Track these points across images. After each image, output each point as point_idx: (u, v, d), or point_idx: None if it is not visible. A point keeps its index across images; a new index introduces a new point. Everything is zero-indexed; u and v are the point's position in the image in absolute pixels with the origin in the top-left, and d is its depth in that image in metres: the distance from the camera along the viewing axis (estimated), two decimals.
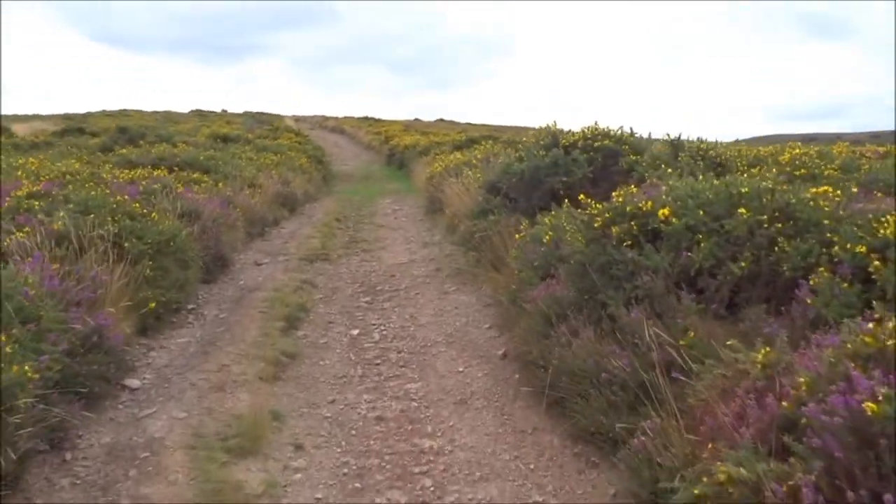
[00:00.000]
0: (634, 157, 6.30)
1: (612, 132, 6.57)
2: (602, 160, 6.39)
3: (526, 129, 39.83)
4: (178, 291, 6.09)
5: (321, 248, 9.22)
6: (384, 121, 42.70)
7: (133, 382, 4.50)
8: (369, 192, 17.15)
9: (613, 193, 4.46)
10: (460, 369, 5.05)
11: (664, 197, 4.19)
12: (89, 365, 4.08)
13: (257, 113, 42.76)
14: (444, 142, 20.60)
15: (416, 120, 45.20)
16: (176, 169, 10.31)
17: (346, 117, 46.24)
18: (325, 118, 46.39)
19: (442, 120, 47.72)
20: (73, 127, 24.26)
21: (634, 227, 4.16)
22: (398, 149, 23.45)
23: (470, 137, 18.30)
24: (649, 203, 4.18)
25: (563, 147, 6.49)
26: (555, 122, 6.73)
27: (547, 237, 4.93)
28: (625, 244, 4.16)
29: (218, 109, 50.89)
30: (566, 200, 5.64)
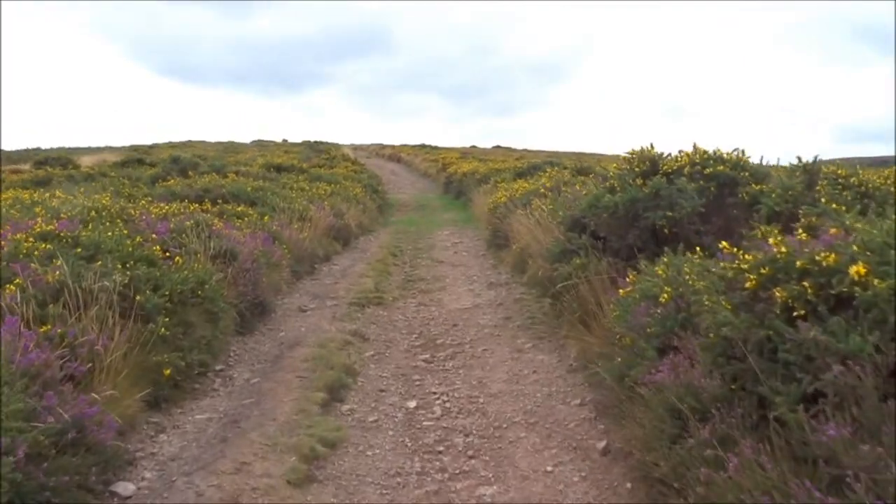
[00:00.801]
0: (758, 187, 4.98)
1: (726, 156, 5.26)
2: (715, 190, 5.09)
3: (586, 155, 38.40)
4: (204, 351, 5.05)
5: (374, 289, 8.11)
6: (440, 148, 41.95)
7: (125, 488, 3.41)
8: (426, 222, 16.12)
9: (771, 241, 3.16)
10: (549, 468, 3.79)
11: (854, 248, 2.89)
12: (60, 473, 3.01)
13: (316, 142, 42.55)
14: (503, 168, 19.47)
15: (473, 147, 44.29)
16: (220, 202, 9.42)
17: (402, 145, 45.71)
18: (382, 146, 45.97)
19: (499, 146, 46.72)
20: (135, 158, 24.12)
21: (809, 291, 2.86)
22: (456, 176, 22.44)
23: (532, 164, 17.11)
24: (832, 256, 2.88)
25: (665, 174, 5.22)
26: (651, 144, 5.48)
27: (664, 295, 3.67)
28: (795, 314, 2.86)
29: (279, 139, 51.19)
30: (682, 245, 4.37)
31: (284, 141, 49.85)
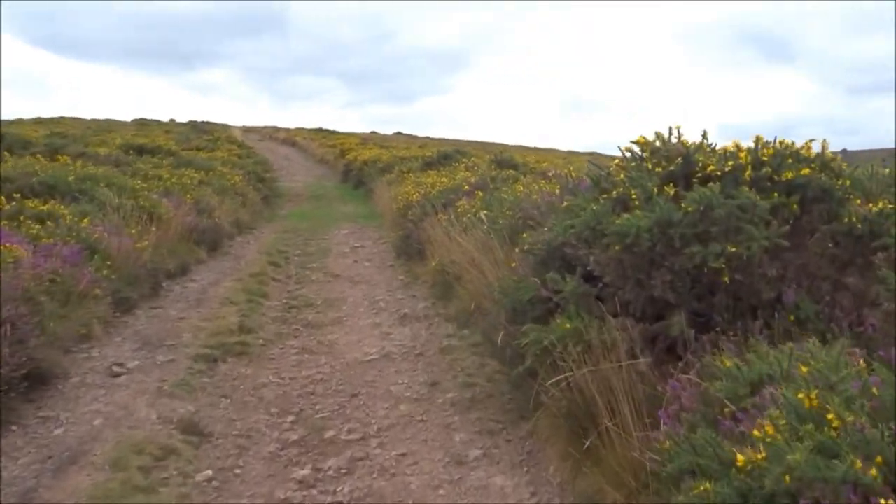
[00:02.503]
0: (876, 207, 2.86)
1: (809, 154, 3.12)
2: (798, 208, 2.95)
3: (490, 145, 36.56)
4: None
5: (238, 326, 5.52)
6: (339, 133, 38.92)
7: None
8: (321, 216, 13.52)
9: None
10: None
11: None
12: None
13: (203, 122, 38.43)
14: (408, 157, 17.11)
15: (374, 133, 41.53)
16: (18, 195, 6.49)
17: (298, 129, 42.22)
18: (277, 129, 42.28)
19: (400, 133, 44.16)
20: None
21: None
22: (355, 164, 19.86)
23: (442, 152, 14.80)
24: None
25: (710, 179, 3.03)
26: (677, 129, 3.28)
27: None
28: None
29: (166, 119, 46.24)
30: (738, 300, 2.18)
31: (172, 121, 45.03)
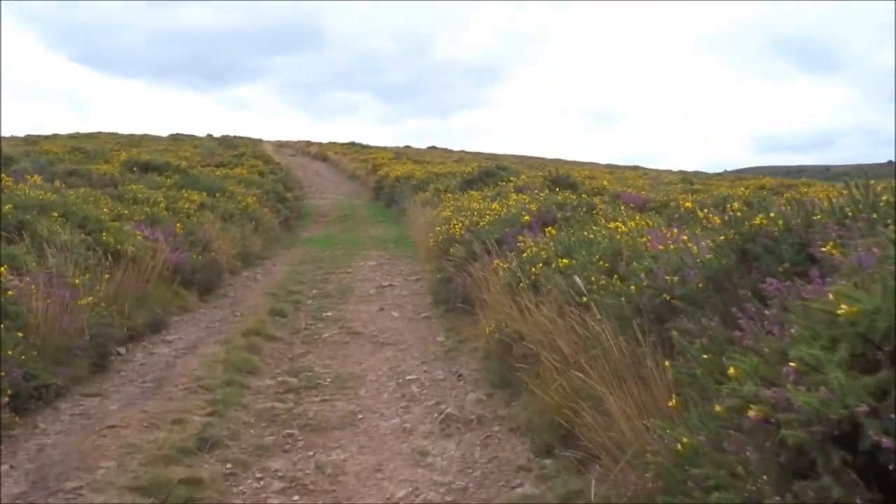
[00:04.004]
0: None
1: None
2: None
3: (527, 158, 34.43)
4: None
5: (197, 438, 3.56)
6: (371, 147, 37.23)
7: None
8: (347, 242, 11.62)
9: None
10: None
11: None
12: None
13: (235, 137, 37.10)
14: (444, 173, 15.15)
15: (407, 147, 39.72)
16: None
17: (330, 143, 40.66)
18: (309, 143, 40.77)
19: (434, 147, 42.29)
20: None
21: None
22: (388, 181, 17.97)
23: (484, 169, 12.79)
24: None
25: None
26: None
27: None
28: None
29: (203, 134, 45.25)
30: None
31: (209, 136, 44.04)
